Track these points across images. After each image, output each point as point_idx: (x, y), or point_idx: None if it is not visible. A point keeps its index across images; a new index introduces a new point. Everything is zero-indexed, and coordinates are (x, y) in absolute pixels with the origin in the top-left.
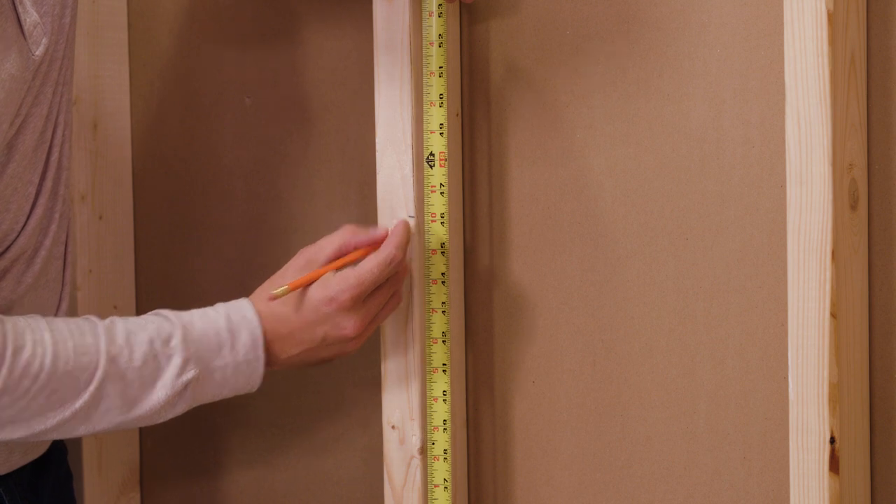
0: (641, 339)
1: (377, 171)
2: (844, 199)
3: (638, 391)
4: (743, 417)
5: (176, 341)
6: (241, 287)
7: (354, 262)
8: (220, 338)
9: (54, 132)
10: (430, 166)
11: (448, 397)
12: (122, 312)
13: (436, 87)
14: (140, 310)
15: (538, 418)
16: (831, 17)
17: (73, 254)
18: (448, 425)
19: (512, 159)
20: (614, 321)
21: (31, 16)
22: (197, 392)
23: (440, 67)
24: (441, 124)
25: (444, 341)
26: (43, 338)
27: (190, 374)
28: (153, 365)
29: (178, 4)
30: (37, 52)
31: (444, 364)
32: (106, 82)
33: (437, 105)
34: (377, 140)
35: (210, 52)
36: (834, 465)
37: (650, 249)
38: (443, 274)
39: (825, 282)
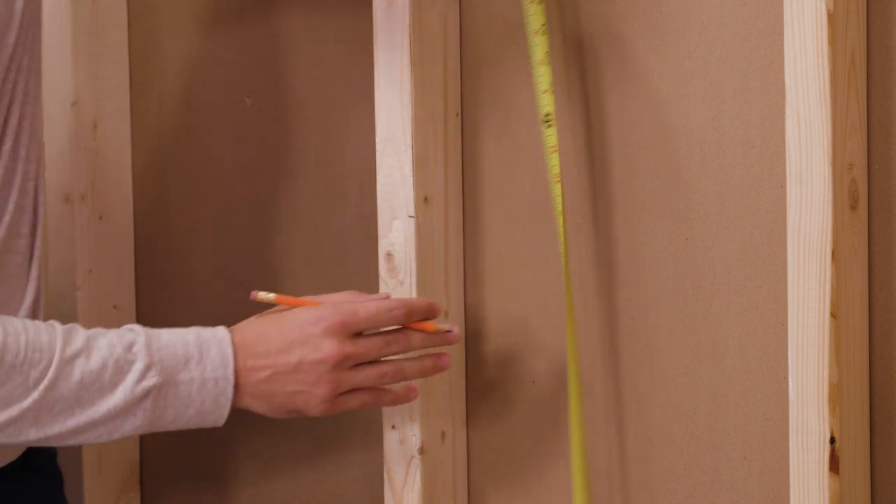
0: (641, 338)
1: (377, 171)
2: (844, 199)
3: (638, 391)
4: (743, 417)
5: (139, 347)
6: (240, 287)
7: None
8: (188, 350)
9: (6, 122)
10: (548, 126)
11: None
12: (122, 312)
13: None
14: (140, 310)
15: (538, 418)
16: (831, 17)
17: (42, 248)
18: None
19: (512, 159)
20: (614, 321)
21: None
22: (158, 404)
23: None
24: (548, 85)
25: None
26: None
27: (151, 381)
28: (112, 368)
29: (178, 4)
30: None
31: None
32: (106, 82)
33: (545, 63)
34: (377, 140)
35: (210, 52)
36: (834, 465)
37: (650, 249)
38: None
39: (825, 282)
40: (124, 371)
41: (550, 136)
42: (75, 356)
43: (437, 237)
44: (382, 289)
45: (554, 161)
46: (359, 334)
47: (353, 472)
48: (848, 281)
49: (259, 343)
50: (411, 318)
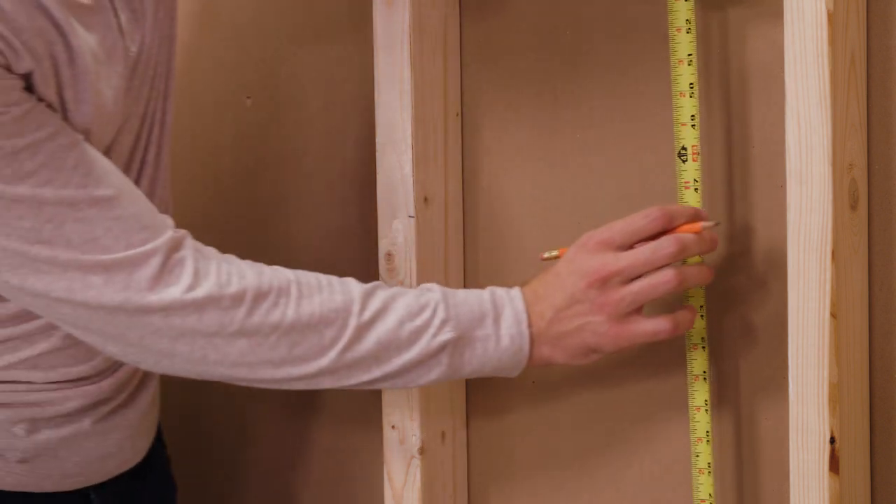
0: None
1: (377, 171)
2: (844, 199)
3: (638, 391)
4: (743, 417)
5: (436, 303)
6: None
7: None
8: (483, 307)
9: (150, 132)
10: (683, 161)
11: (709, 407)
12: None
13: (686, 76)
14: None
15: (538, 418)
16: (831, 17)
17: None
18: (710, 437)
19: (512, 159)
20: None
21: (124, 12)
22: (455, 359)
23: (689, 55)
24: (692, 115)
25: (703, 347)
26: (289, 289)
27: (447, 336)
28: (409, 327)
29: (178, 4)
30: (132, 49)
31: (704, 372)
32: None
33: (688, 95)
34: (377, 140)
35: (210, 52)
36: (834, 465)
37: None
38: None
39: (825, 282)
40: (421, 329)
41: (684, 172)
42: (373, 319)
43: (437, 237)
44: None
45: (687, 198)
46: (625, 250)
47: (353, 472)
48: (848, 281)
49: (539, 288)
50: (673, 223)
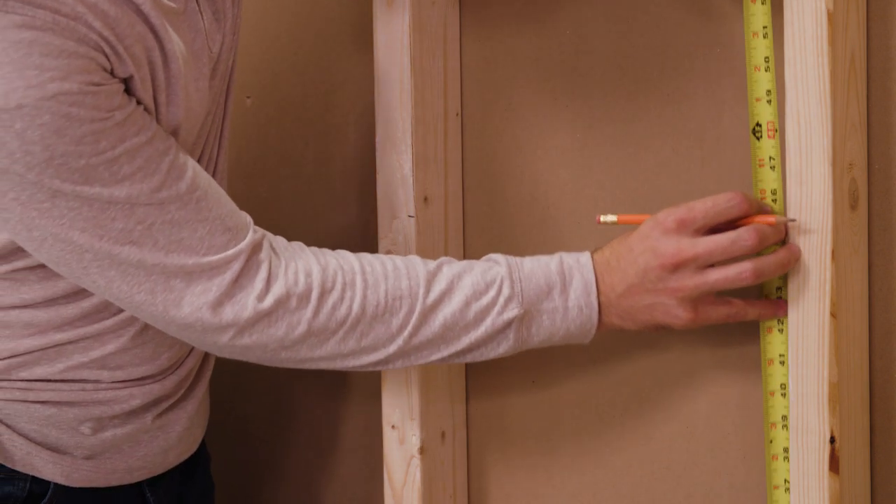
0: (641, 338)
1: (377, 171)
2: (844, 199)
3: (638, 391)
4: (743, 417)
5: (502, 279)
6: None
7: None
8: (550, 279)
9: (211, 127)
10: (758, 138)
11: (786, 390)
12: None
13: (760, 49)
14: None
15: (538, 418)
16: (831, 17)
17: None
18: (787, 422)
19: (512, 159)
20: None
21: (207, 13)
22: (522, 333)
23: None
24: (768, 91)
25: (780, 330)
26: (354, 281)
27: (513, 313)
28: (476, 306)
29: None
30: (214, 50)
31: (780, 355)
32: None
33: (763, 69)
34: (377, 140)
35: None
36: (834, 465)
37: None
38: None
39: (825, 282)
40: (487, 307)
41: (759, 149)
42: (438, 301)
43: (437, 237)
44: None
45: (762, 176)
46: (702, 233)
47: (353, 472)
48: (848, 281)
49: (612, 258)
50: (752, 211)
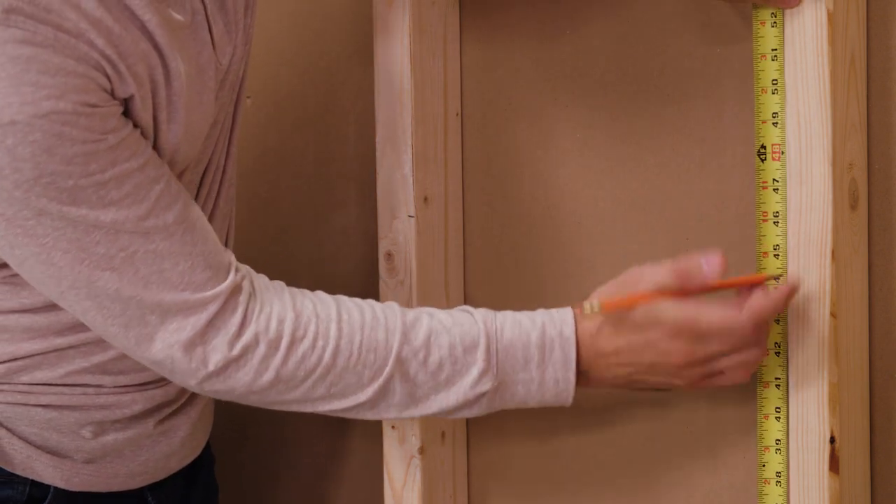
0: None
1: (377, 171)
2: (844, 199)
3: (638, 392)
4: (743, 417)
5: (480, 351)
6: None
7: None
8: (529, 352)
9: (218, 138)
10: (762, 160)
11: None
12: None
13: (768, 71)
14: None
15: (537, 418)
16: (831, 17)
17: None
18: (782, 446)
19: (512, 159)
20: None
21: (217, 25)
22: (494, 402)
23: (773, 50)
24: (775, 113)
25: (777, 353)
26: (328, 330)
27: (486, 386)
28: (449, 371)
29: None
30: (223, 62)
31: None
32: None
33: (770, 92)
34: (377, 140)
35: None
36: (834, 465)
37: (651, 249)
38: (777, 279)
39: (825, 282)
40: (461, 373)
41: (763, 171)
42: (413, 355)
43: (437, 237)
44: (382, 289)
45: (765, 199)
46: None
47: (353, 472)
48: (848, 281)
49: (601, 341)
50: (759, 320)
